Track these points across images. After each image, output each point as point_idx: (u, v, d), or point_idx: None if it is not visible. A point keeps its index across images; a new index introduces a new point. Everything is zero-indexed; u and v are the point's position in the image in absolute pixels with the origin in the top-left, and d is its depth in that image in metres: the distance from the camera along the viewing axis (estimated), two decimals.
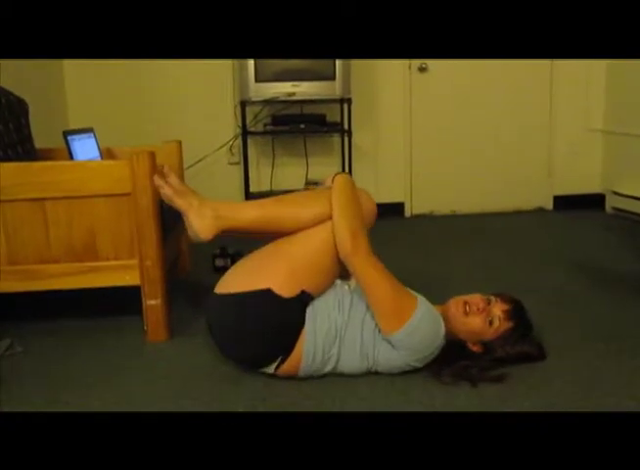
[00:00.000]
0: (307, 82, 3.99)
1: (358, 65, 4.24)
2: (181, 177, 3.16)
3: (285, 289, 1.86)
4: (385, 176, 4.65)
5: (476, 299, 1.99)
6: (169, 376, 2.04)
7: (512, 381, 1.94)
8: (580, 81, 4.68)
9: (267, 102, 4.09)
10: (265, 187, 4.51)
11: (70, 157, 2.66)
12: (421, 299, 1.95)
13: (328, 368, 1.94)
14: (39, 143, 2.87)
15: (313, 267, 1.92)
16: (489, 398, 1.85)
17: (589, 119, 4.75)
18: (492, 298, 2.01)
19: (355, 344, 1.92)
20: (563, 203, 4.82)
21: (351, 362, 1.93)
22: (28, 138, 2.76)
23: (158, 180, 2.02)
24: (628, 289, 2.79)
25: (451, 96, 4.62)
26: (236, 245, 3.49)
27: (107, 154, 3.10)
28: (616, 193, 4.55)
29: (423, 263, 3.30)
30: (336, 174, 2.01)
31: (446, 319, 1.97)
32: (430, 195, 4.73)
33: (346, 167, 4.17)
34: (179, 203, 1.97)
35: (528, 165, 4.78)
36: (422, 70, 4.54)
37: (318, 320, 1.90)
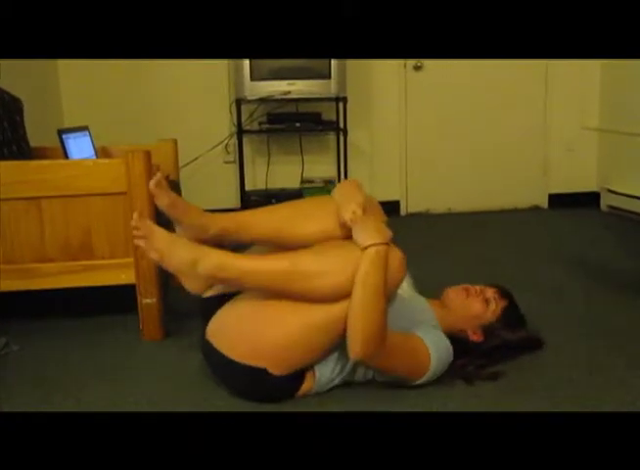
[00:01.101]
0: (303, 81, 3.98)
1: (354, 63, 4.24)
2: (177, 176, 3.16)
3: (279, 370, 1.75)
4: (380, 175, 4.65)
5: (471, 286, 2.08)
6: (164, 375, 2.04)
7: (509, 379, 1.94)
8: (575, 80, 4.69)
9: (263, 100, 4.08)
10: (261, 185, 4.50)
11: (65, 155, 2.65)
12: (427, 336, 1.87)
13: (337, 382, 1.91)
14: (34, 142, 2.86)
15: (311, 347, 1.76)
16: (487, 396, 1.85)
17: (584, 118, 4.76)
18: (482, 287, 2.09)
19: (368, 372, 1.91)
20: (558, 201, 4.83)
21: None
22: (23, 137, 2.76)
23: (155, 189, 1.82)
24: (624, 286, 2.80)
25: (446, 95, 4.62)
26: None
27: (102, 152, 3.09)
28: (611, 191, 4.56)
29: (419, 262, 3.29)
30: (371, 243, 1.71)
31: (445, 311, 2.00)
32: (425, 193, 4.73)
33: (342, 166, 4.17)
34: (167, 266, 1.77)
35: (524, 164, 4.79)
36: (417, 68, 4.55)
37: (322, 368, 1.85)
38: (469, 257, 3.41)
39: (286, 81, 3.96)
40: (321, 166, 4.53)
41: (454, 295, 2.04)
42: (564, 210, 4.71)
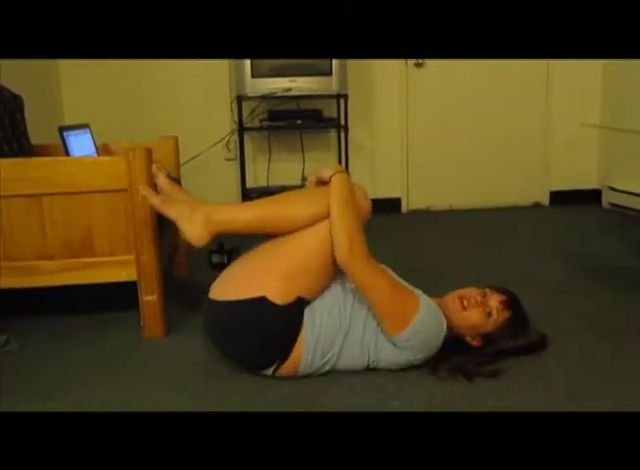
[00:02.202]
0: (304, 78, 3.98)
1: (354, 60, 4.23)
2: (177, 173, 3.16)
3: (280, 296, 1.84)
4: (381, 172, 4.65)
5: (471, 292, 2.01)
6: (165, 372, 2.04)
7: (507, 377, 1.94)
8: (576, 77, 4.68)
9: (264, 97, 4.08)
10: (262, 183, 4.50)
11: (66, 153, 2.65)
12: (423, 297, 1.94)
13: (327, 367, 1.94)
14: (35, 139, 2.86)
15: (309, 271, 1.88)
16: (487, 396, 1.85)
17: (585, 115, 4.76)
18: (487, 290, 2.02)
19: (357, 343, 1.91)
20: (559, 198, 4.83)
21: (352, 361, 1.94)
22: (24, 134, 2.75)
23: (144, 190, 2.01)
24: (625, 284, 2.80)
25: (448, 91, 4.61)
26: (233, 241, 3.49)
27: (103, 150, 3.09)
28: (612, 188, 4.56)
29: (420, 259, 3.30)
30: (333, 173, 1.95)
31: (444, 314, 1.98)
32: (426, 190, 4.73)
33: (343, 163, 4.17)
34: (169, 212, 1.93)
35: (525, 161, 4.78)
36: (418, 65, 4.54)
37: (317, 322, 1.89)
38: (470, 254, 3.41)
39: (287, 78, 3.96)
40: (322, 164, 4.52)
41: (452, 304, 2.00)
42: (565, 207, 4.71)
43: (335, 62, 3.95)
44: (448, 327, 1.97)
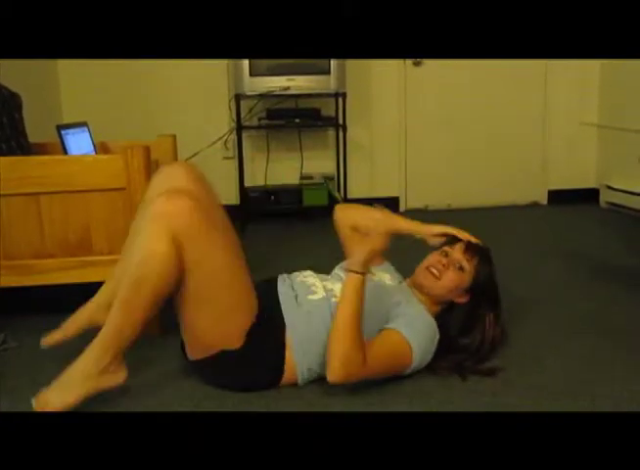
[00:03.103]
0: (302, 76, 3.98)
1: (353, 59, 4.23)
2: None
3: (232, 342, 1.79)
4: (379, 171, 4.65)
5: (434, 258, 2.03)
6: (161, 371, 2.03)
7: (507, 377, 1.94)
8: (575, 76, 4.68)
9: (262, 96, 4.07)
10: (260, 181, 4.50)
11: (64, 151, 2.64)
12: (409, 332, 1.86)
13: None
14: (33, 137, 2.85)
15: (236, 306, 1.80)
16: (486, 396, 1.85)
17: (583, 114, 4.76)
18: (445, 248, 2.04)
19: None
20: (557, 197, 4.83)
21: None
22: (22, 132, 2.75)
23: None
24: (623, 283, 2.80)
25: (446, 90, 4.61)
26: None
27: (101, 148, 3.09)
28: (610, 187, 4.56)
29: (418, 258, 3.29)
30: (352, 270, 1.78)
31: (425, 296, 2.00)
32: (425, 189, 4.73)
33: (341, 162, 4.17)
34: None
35: (523, 160, 4.79)
36: (417, 64, 4.54)
37: (305, 346, 1.85)
38: None
39: (285, 77, 3.96)
40: (320, 162, 4.53)
41: (423, 279, 2.00)
42: (563, 206, 4.71)
43: (333, 61, 3.95)
44: (437, 304, 1.99)
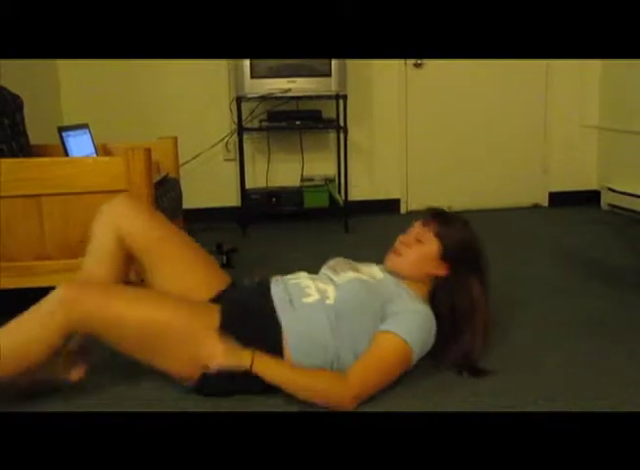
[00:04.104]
0: (303, 78, 3.98)
1: (354, 61, 4.23)
2: (177, 174, 3.15)
3: (180, 372, 1.81)
4: (380, 172, 4.65)
5: (398, 241, 2.05)
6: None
7: (507, 377, 1.94)
8: (575, 78, 4.68)
9: (263, 98, 4.08)
10: (261, 183, 4.50)
11: (65, 153, 2.65)
12: (402, 328, 1.84)
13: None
14: (34, 139, 2.86)
15: (187, 335, 1.78)
16: (486, 396, 1.85)
17: (584, 116, 4.76)
18: (409, 230, 2.07)
19: (350, 357, 1.88)
20: (558, 199, 4.83)
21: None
22: (23, 134, 2.75)
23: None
24: (624, 285, 2.80)
25: (447, 92, 4.61)
26: (232, 241, 3.49)
27: (102, 150, 3.09)
28: (611, 189, 4.56)
29: None
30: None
31: (400, 277, 1.99)
32: (425, 191, 4.73)
33: (342, 164, 4.17)
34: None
35: (524, 162, 4.79)
36: (417, 66, 4.54)
37: (304, 346, 1.84)
38: None
39: (286, 79, 3.96)
40: (321, 164, 4.53)
41: (388, 263, 2.01)
42: (564, 208, 4.71)
43: (334, 62, 3.95)
44: (422, 284, 1.98)
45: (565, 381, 1.92)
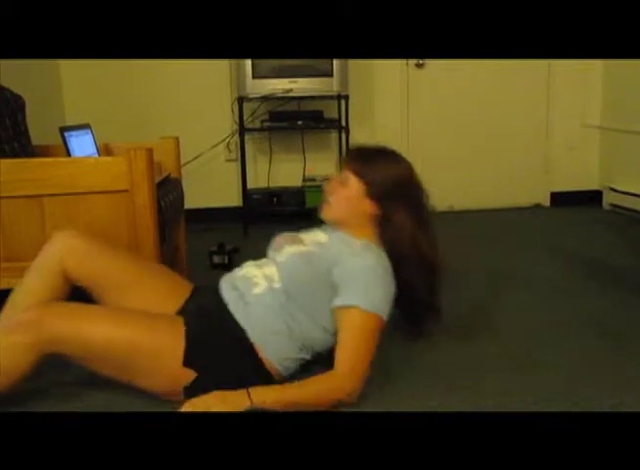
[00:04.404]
0: (305, 79, 3.98)
1: (355, 61, 4.23)
2: (178, 174, 3.15)
3: (182, 378, 1.78)
4: None
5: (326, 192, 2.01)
6: None
7: (507, 377, 1.94)
8: (577, 77, 4.68)
9: (264, 98, 4.08)
10: (263, 184, 4.50)
11: (67, 153, 2.65)
12: (359, 296, 1.81)
13: (308, 355, 1.91)
14: (36, 140, 2.86)
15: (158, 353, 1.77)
16: (486, 396, 1.85)
17: (586, 116, 4.76)
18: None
19: (319, 333, 1.87)
20: (560, 199, 4.83)
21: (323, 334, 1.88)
22: (25, 134, 2.76)
23: None
24: (625, 285, 2.80)
25: (448, 92, 4.61)
26: (234, 241, 3.50)
27: (104, 150, 3.09)
28: (613, 189, 4.55)
29: None
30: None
31: (346, 226, 1.96)
32: (427, 191, 4.71)
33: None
34: None
35: (526, 162, 4.78)
36: (419, 66, 4.54)
37: (271, 340, 1.83)
38: (470, 255, 3.40)
39: (288, 79, 3.96)
40: (323, 165, 4.53)
41: (325, 216, 1.98)
42: (566, 208, 4.71)
43: (335, 62, 3.95)
44: (361, 225, 1.94)
45: (565, 381, 1.92)
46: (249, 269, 1.96)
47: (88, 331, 1.74)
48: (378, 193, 1.94)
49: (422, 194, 2.03)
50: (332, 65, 3.96)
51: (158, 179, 2.54)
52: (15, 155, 2.56)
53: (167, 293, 1.98)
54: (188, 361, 1.77)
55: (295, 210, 4.27)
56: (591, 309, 2.52)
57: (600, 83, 4.71)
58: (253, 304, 1.86)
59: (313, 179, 4.35)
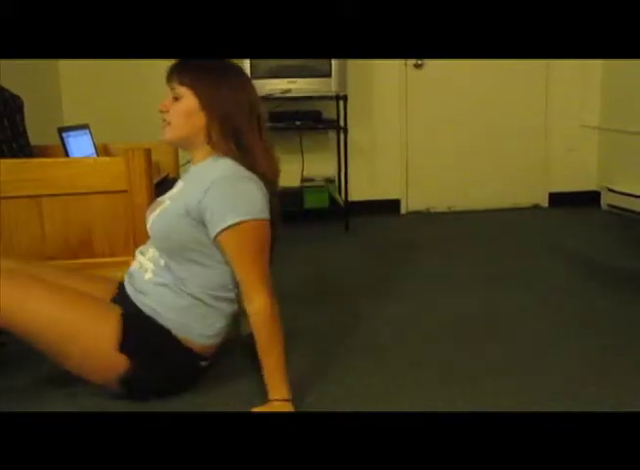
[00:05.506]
0: (303, 79, 3.98)
1: (354, 61, 4.23)
2: (177, 174, 3.16)
3: (115, 365, 1.79)
4: (381, 173, 4.65)
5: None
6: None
7: (507, 377, 1.94)
8: (576, 78, 4.69)
9: (263, 99, 4.06)
10: None
11: (66, 154, 2.65)
12: (224, 211, 1.76)
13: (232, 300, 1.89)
14: (34, 140, 2.85)
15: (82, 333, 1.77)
16: (486, 396, 1.85)
17: (585, 116, 4.76)
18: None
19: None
20: (558, 200, 4.83)
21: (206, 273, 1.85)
22: (23, 135, 2.75)
23: None
24: (624, 285, 2.80)
25: (447, 93, 4.62)
26: None
27: (102, 151, 3.09)
28: (611, 190, 4.56)
29: (419, 260, 3.29)
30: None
31: (199, 148, 1.93)
32: (426, 192, 4.73)
33: (342, 164, 4.17)
34: None
35: (524, 162, 4.79)
36: (418, 66, 4.54)
37: (176, 319, 1.83)
38: (469, 255, 3.41)
39: (286, 80, 3.96)
40: (321, 165, 4.53)
41: (166, 138, 1.97)
42: (564, 208, 4.71)
43: (334, 63, 3.95)
44: (212, 143, 1.90)
45: (565, 381, 1.92)
46: (137, 257, 1.95)
47: (34, 307, 1.74)
48: (202, 99, 1.90)
49: (256, 99, 2.00)
50: (330, 65, 3.95)
51: (156, 179, 2.54)
52: (13, 155, 2.55)
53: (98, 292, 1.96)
54: (122, 347, 1.77)
55: (293, 210, 4.26)
56: (590, 309, 2.52)
57: (598, 84, 4.71)
58: (149, 291, 1.85)
59: (312, 180, 4.35)
